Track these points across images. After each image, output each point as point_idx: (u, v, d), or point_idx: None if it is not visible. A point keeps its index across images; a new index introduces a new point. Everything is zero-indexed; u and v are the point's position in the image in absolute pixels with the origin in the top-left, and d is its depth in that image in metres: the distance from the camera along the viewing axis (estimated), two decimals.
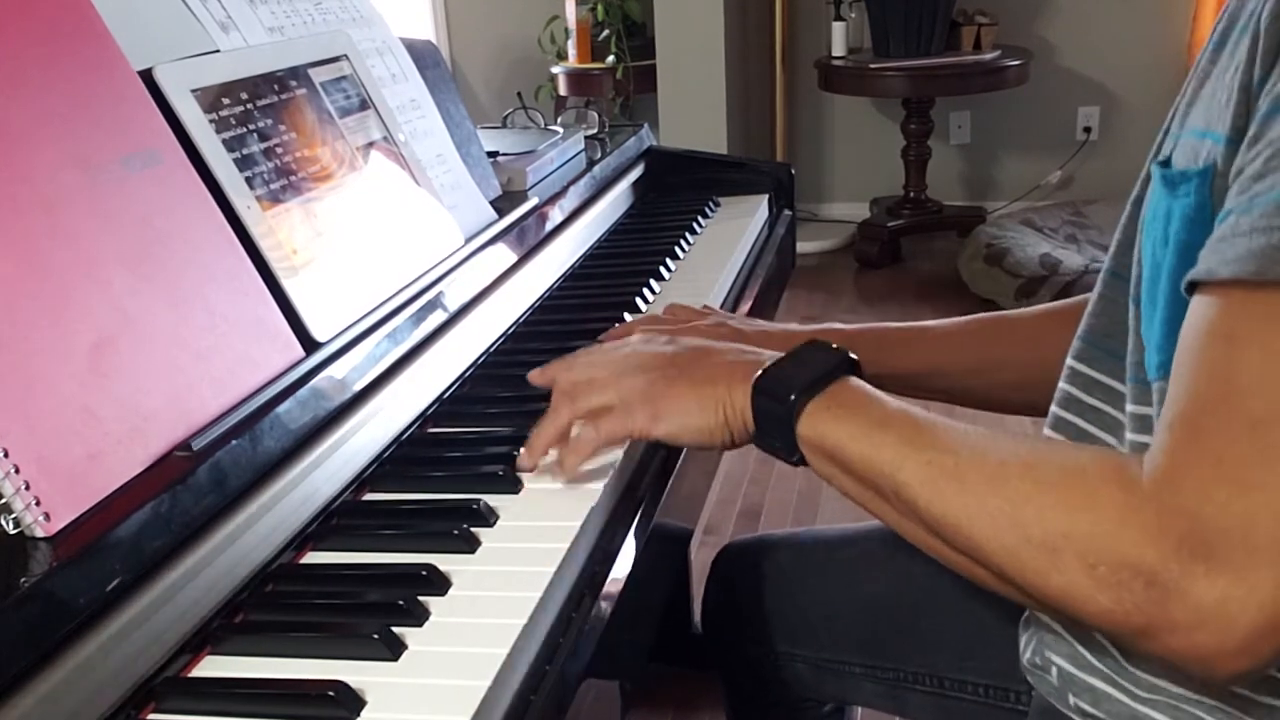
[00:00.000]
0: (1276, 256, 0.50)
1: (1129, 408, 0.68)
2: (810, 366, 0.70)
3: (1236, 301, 0.52)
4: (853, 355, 0.72)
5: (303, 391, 0.77)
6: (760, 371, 0.72)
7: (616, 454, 0.82)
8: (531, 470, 0.81)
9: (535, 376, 0.86)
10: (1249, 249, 0.51)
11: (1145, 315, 0.65)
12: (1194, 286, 0.56)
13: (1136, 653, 0.61)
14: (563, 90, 4.10)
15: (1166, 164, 0.65)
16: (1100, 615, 0.54)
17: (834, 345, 0.73)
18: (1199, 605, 0.51)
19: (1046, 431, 0.78)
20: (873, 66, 3.60)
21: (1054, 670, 0.74)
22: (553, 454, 0.81)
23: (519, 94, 1.77)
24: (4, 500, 0.59)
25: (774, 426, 0.70)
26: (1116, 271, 0.71)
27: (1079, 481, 0.56)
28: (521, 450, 0.80)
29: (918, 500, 0.62)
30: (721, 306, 1.24)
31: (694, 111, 3.56)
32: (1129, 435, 0.68)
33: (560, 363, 0.84)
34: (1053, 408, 0.77)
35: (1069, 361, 0.75)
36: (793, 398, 0.69)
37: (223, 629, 0.67)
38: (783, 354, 0.73)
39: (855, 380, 0.71)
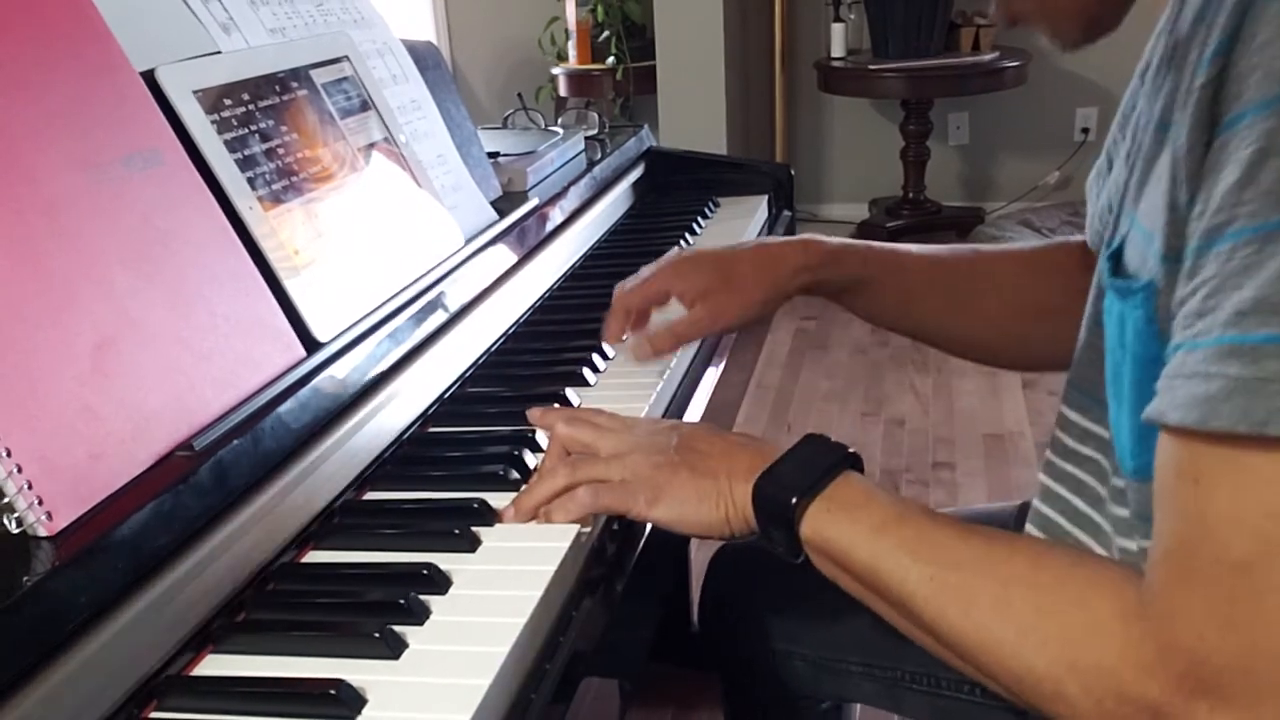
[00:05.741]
0: (1216, 405, 0.50)
1: (1112, 480, 0.69)
2: (811, 467, 0.70)
3: (1195, 445, 0.52)
4: (852, 450, 0.72)
5: (304, 391, 0.77)
6: (761, 471, 0.71)
7: None
8: (522, 521, 0.78)
9: (535, 416, 0.84)
10: (1191, 395, 0.51)
11: (1112, 409, 0.65)
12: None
13: None
14: (563, 91, 4.11)
15: (1119, 256, 0.65)
16: None
17: (833, 440, 0.73)
18: None
19: (1042, 479, 0.79)
20: (872, 68, 3.61)
21: None
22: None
23: (519, 95, 1.77)
24: (6, 500, 0.59)
25: (776, 527, 0.70)
26: (1097, 319, 0.71)
27: (1082, 611, 0.56)
28: (509, 506, 0.77)
29: (923, 615, 0.63)
30: None
31: (694, 112, 3.56)
32: (1113, 508, 0.69)
33: (560, 412, 0.83)
34: (1049, 455, 0.78)
35: (1061, 408, 0.76)
36: (794, 500, 0.68)
37: (224, 628, 0.67)
38: (783, 451, 0.72)
39: (855, 477, 0.70)
